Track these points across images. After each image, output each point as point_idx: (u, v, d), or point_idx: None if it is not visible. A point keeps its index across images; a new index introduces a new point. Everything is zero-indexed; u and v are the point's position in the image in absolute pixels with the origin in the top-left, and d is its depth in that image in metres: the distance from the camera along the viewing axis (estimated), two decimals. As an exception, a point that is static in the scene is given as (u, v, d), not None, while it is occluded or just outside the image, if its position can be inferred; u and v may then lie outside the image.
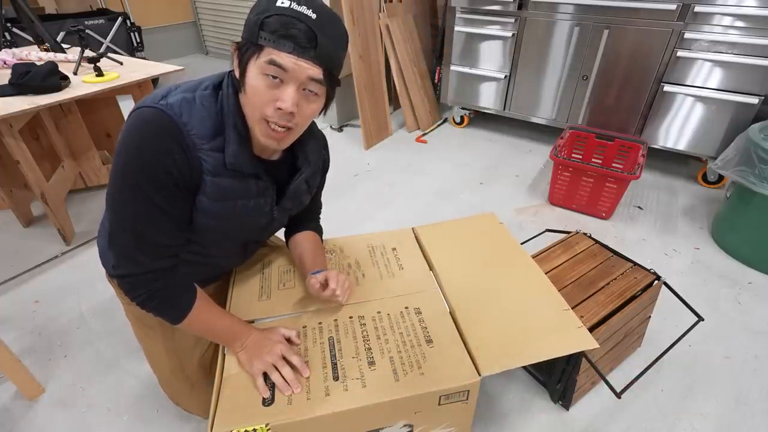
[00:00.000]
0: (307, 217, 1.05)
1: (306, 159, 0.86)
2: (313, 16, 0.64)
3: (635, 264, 1.29)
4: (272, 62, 0.65)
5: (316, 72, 0.67)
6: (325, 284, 0.87)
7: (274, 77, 0.66)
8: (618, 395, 1.02)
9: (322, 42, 0.65)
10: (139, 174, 0.67)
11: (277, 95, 0.68)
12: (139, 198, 0.69)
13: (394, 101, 3.16)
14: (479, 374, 0.77)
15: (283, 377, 0.76)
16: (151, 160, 0.67)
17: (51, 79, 1.61)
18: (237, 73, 0.71)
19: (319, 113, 0.76)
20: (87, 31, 3.05)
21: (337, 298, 0.87)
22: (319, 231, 1.09)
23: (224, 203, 0.77)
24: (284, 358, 0.78)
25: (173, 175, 0.69)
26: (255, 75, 0.67)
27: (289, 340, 0.83)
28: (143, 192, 0.68)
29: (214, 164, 0.72)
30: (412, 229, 1.17)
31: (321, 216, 1.12)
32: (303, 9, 0.64)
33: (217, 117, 0.72)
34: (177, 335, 0.96)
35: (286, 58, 0.65)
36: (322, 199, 1.11)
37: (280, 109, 0.68)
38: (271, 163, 0.83)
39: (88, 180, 2.25)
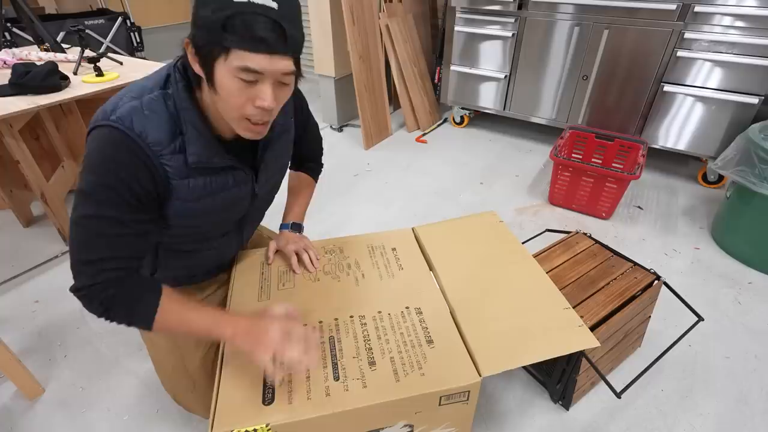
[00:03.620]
0: (305, 157, 1.10)
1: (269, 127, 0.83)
2: (275, 5, 0.60)
3: (635, 264, 1.29)
4: (247, 69, 0.62)
5: (289, 64, 0.65)
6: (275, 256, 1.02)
7: (249, 80, 0.64)
8: (618, 395, 1.02)
9: (289, 33, 0.62)
10: (99, 193, 0.67)
11: (253, 94, 0.65)
12: (97, 213, 0.68)
13: (394, 101, 3.16)
14: (480, 375, 0.77)
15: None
16: (113, 179, 0.67)
17: (51, 79, 1.61)
18: (197, 69, 0.67)
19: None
20: (87, 31, 3.04)
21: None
22: (313, 171, 1.15)
23: (203, 201, 0.77)
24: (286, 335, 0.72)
25: (135, 191, 0.68)
26: (227, 77, 0.63)
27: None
28: (101, 208, 0.68)
29: (179, 167, 0.71)
30: (412, 229, 1.17)
31: (322, 170, 1.19)
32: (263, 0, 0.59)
33: (171, 118, 0.70)
34: None
35: (260, 61, 0.61)
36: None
37: (260, 107, 0.66)
38: (242, 140, 0.80)
39: (88, 180, 2.24)
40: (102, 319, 0.72)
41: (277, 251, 1.05)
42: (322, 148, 1.15)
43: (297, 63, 0.67)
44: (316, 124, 1.08)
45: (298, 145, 1.00)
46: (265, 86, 0.65)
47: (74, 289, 0.72)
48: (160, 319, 0.74)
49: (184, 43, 0.66)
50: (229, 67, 0.62)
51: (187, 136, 0.71)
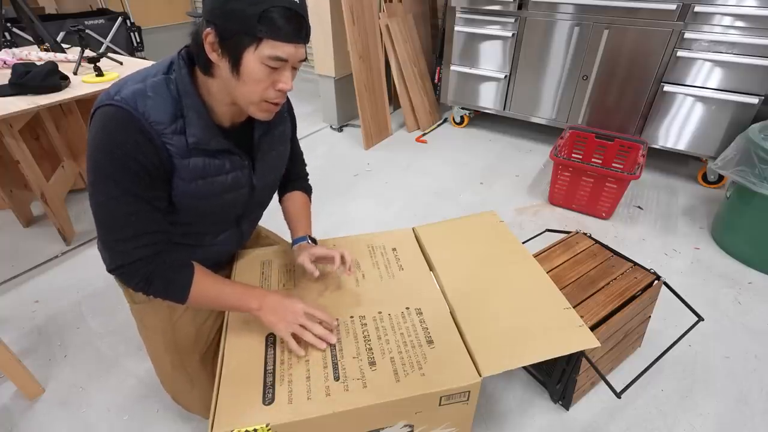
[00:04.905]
0: (292, 175, 1.08)
1: None
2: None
3: (635, 264, 1.29)
4: (278, 58, 0.69)
5: (304, 51, 0.73)
6: (323, 261, 0.96)
7: (274, 67, 0.70)
8: (618, 395, 1.02)
9: (307, 24, 0.71)
10: (111, 169, 0.71)
11: (275, 78, 0.72)
12: (115, 192, 0.72)
13: (394, 101, 3.16)
14: (480, 375, 0.77)
15: (314, 334, 0.81)
16: (120, 154, 0.70)
17: (51, 79, 1.61)
18: (214, 58, 0.70)
19: None
20: (87, 31, 3.04)
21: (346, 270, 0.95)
22: (306, 189, 1.12)
23: (201, 182, 0.80)
24: (308, 315, 0.82)
25: (143, 164, 0.72)
26: (255, 65, 0.69)
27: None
28: (118, 186, 0.72)
29: (180, 147, 0.75)
30: (413, 229, 1.17)
31: (310, 179, 1.15)
32: None
33: (173, 100, 0.74)
34: (178, 330, 0.96)
35: (287, 50, 0.69)
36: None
37: (280, 90, 0.73)
38: (240, 129, 0.84)
39: (88, 180, 2.24)
40: (143, 294, 0.79)
41: (314, 259, 0.95)
42: (305, 166, 1.12)
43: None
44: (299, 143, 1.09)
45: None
46: (287, 72, 0.73)
47: (111, 269, 0.77)
48: (194, 291, 0.80)
49: (204, 33, 0.69)
50: (259, 55, 0.68)
51: (187, 118, 0.75)
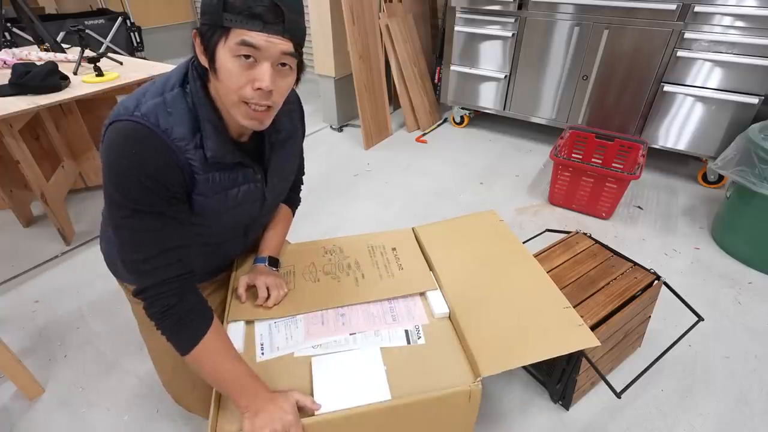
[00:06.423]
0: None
1: (274, 128, 0.82)
2: None
3: (635, 264, 1.29)
4: (244, 43, 0.63)
5: (288, 46, 0.66)
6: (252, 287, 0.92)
7: (247, 57, 0.65)
8: (618, 395, 1.02)
9: (288, 16, 0.64)
10: (134, 192, 0.67)
11: (252, 75, 0.66)
12: (137, 211, 0.69)
13: (394, 101, 3.16)
14: (480, 374, 0.77)
15: None
16: (144, 177, 0.67)
17: (51, 79, 1.61)
18: (203, 60, 0.68)
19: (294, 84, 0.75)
20: (87, 31, 3.04)
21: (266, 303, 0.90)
22: (293, 202, 1.10)
23: (218, 196, 0.78)
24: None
25: (165, 184, 0.69)
26: (227, 58, 0.65)
27: (301, 410, 0.72)
28: (140, 205, 0.68)
29: (202, 161, 0.73)
30: (412, 228, 1.17)
31: (304, 191, 1.13)
32: None
33: (191, 115, 0.71)
34: None
35: (257, 37, 0.63)
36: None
37: (259, 89, 0.67)
38: (252, 140, 0.82)
39: (88, 180, 2.25)
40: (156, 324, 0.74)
41: (249, 287, 0.94)
42: (303, 176, 1.11)
43: (298, 50, 0.69)
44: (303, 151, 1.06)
45: None
46: (264, 67, 0.66)
47: (138, 291, 0.72)
48: (198, 350, 0.72)
49: (193, 36, 0.68)
50: (229, 47, 0.64)
51: (204, 131, 0.72)
